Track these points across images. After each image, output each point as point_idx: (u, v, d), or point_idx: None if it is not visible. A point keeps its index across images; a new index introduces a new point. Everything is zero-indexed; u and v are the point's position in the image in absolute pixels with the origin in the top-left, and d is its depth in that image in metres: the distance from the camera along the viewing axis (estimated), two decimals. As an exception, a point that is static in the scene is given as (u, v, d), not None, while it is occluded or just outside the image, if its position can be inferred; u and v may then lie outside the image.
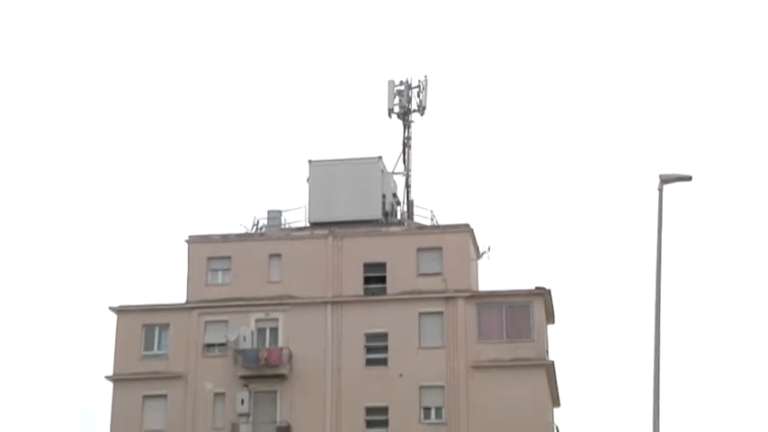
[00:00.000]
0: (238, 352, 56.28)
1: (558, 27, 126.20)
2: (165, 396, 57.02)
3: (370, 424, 55.61)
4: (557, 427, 58.16)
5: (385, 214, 60.22)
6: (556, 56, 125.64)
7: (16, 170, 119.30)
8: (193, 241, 59.16)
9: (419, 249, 57.62)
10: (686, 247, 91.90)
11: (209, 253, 58.84)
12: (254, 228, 60.62)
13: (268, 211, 60.76)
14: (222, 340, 57.08)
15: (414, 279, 57.11)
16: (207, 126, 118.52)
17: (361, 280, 57.51)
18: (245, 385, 56.16)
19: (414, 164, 62.83)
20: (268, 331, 57.29)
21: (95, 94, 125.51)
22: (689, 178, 32.76)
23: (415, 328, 56.29)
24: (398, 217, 61.58)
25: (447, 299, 56.53)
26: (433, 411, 55.48)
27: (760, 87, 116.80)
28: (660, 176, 32.66)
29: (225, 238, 59.41)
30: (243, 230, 60.29)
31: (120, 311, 58.51)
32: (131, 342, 57.86)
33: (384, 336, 56.41)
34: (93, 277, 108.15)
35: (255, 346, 56.65)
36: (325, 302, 57.30)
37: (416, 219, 61.07)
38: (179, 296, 58.66)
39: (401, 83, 62.85)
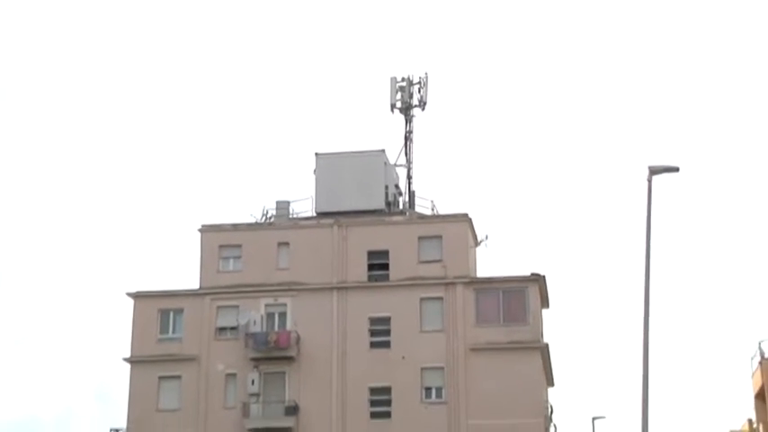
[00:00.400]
0: (249, 335, 56.53)
1: (550, 25, 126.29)
2: (179, 377, 57.15)
3: (373, 403, 55.85)
4: (551, 406, 57.98)
5: (388, 204, 60.30)
6: (549, 53, 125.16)
7: (42, 165, 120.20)
8: (206, 230, 59.21)
9: (420, 238, 57.73)
10: (674, 235, 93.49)
11: (220, 241, 58.88)
12: (264, 217, 60.61)
13: (276, 202, 60.90)
14: (233, 324, 57.27)
15: (415, 266, 57.26)
16: (219, 122, 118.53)
17: (365, 267, 57.65)
18: (256, 367, 56.46)
19: (415, 156, 62.99)
20: (277, 316, 57.44)
21: (115, 90, 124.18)
22: (676, 169, 32.52)
23: (416, 313, 56.53)
24: (400, 207, 61.64)
25: (447, 285, 56.68)
26: (433, 391, 55.70)
27: (746, 80, 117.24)
28: (649, 168, 32.55)
29: (236, 227, 59.41)
30: (253, 220, 60.29)
31: (137, 297, 58.56)
32: (148, 326, 57.89)
33: (387, 320, 56.69)
34: (111, 265, 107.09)
35: (265, 329, 56.87)
36: (331, 288, 57.42)
37: (417, 208, 61.18)
38: (192, 282, 58.79)
39: (403, 79, 62.99)
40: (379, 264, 57.88)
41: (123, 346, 58.68)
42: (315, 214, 60.44)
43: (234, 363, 57.11)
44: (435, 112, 66.83)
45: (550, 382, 60.34)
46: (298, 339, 56.83)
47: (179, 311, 58.42)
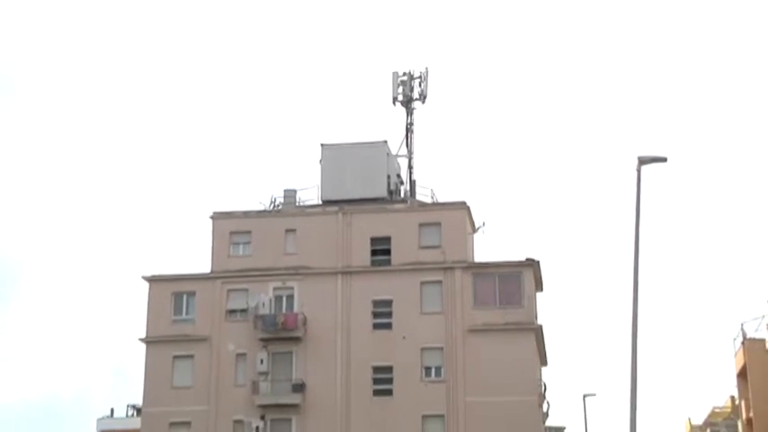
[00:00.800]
0: (258, 317, 57.77)
1: (544, 21, 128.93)
2: (192, 356, 58.30)
3: (376, 381, 56.95)
4: (544, 384, 58.92)
5: (390, 193, 61.44)
6: (543, 48, 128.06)
7: (64, 157, 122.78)
8: (217, 217, 60.36)
9: (420, 224, 58.75)
10: (662, 222, 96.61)
11: (231, 228, 60.02)
12: (272, 205, 61.66)
13: (284, 190, 61.95)
14: (243, 306, 58.48)
15: (415, 251, 58.30)
16: (229, 116, 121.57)
17: (369, 252, 58.72)
18: (264, 347, 57.71)
19: (416, 147, 63.78)
20: (285, 298, 58.49)
21: (134, 84, 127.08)
22: (664, 159, 32.95)
23: (416, 296, 57.58)
24: (402, 195, 62.63)
25: (446, 269, 57.68)
26: (433, 370, 56.74)
27: (734, 72, 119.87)
28: (638, 158, 32.96)
29: (246, 214, 60.52)
30: (261, 207, 61.38)
31: (152, 281, 59.79)
32: (162, 308, 59.08)
33: (389, 302, 57.78)
34: (127, 250, 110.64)
35: (273, 311, 58.03)
36: (336, 272, 58.59)
37: (418, 197, 62.08)
38: (204, 267, 59.97)
39: (404, 74, 63.86)
40: (381, 249, 58.88)
41: (139, 327, 59.92)
42: (320, 202, 61.43)
43: (244, 343, 58.27)
44: (435, 105, 68.93)
45: (544, 362, 61.28)
46: (304, 321, 57.96)
47: (192, 294, 59.51)
